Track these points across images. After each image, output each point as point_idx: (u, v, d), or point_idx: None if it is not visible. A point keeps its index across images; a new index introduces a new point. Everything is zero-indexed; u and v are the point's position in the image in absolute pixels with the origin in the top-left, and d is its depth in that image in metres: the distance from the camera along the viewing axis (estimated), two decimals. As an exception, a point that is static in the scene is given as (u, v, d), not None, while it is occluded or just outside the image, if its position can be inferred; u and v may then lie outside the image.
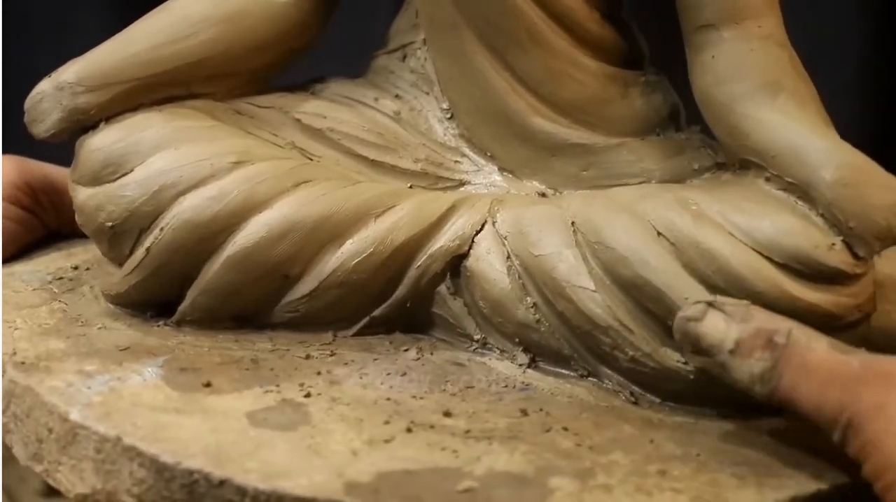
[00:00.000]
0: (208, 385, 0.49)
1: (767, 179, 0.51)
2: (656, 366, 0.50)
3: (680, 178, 0.56)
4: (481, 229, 0.54)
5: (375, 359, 0.53)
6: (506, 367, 0.53)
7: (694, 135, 0.57)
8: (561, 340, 0.52)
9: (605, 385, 0.52)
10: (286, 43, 0.59)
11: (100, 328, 0.54)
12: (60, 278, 0.58)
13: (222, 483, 0.44)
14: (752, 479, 0.45)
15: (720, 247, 0.49)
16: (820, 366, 0.45)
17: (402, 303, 0.54)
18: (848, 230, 0.48)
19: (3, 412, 0.49)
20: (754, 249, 0.49)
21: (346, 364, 0.52)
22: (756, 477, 0.46)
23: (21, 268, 0.59)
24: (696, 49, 0.54)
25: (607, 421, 0.49)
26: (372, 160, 0.58)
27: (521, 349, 0.53)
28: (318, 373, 0.51)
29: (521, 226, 0.53)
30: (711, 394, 0.49)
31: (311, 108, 0.59)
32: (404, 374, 0.52)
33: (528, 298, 0.52)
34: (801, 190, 0.50)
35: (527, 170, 0.58)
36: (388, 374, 0.52)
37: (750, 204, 0.50)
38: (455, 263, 0.54)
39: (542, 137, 0.57)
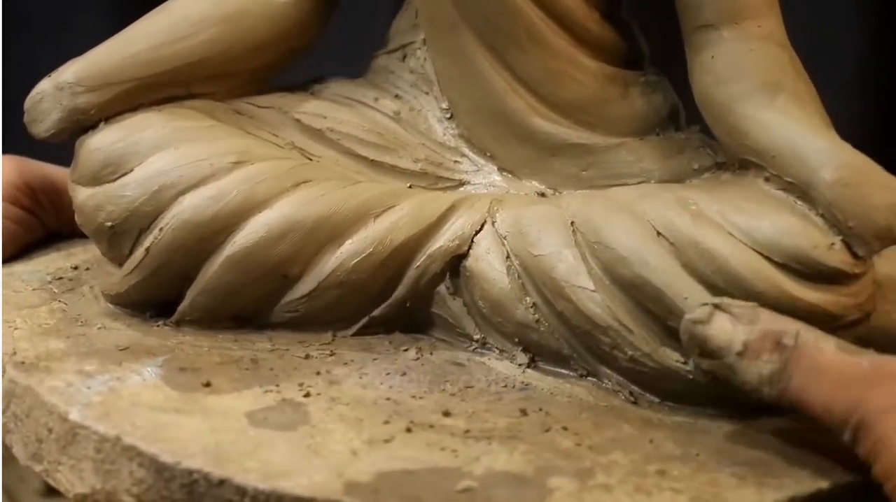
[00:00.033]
0: (208, 385, 0.49)
1: (767, 179, 0.51)
2: (656, 366, 0.50)
3: (679, 178, 0.56)
4: (481, 229, 0.54)
5: (375, 359, 0.53)
6: (505, 367, 0.53)
7: (694, 135, 0.57)
8: (560, 340, 0.52)
9: (604, 385, 0.52)
10: (286, 43, 0.59)
11: (99, 328, 0.54)
12: (60, 278, 0.58)
13: (222, 482, 0.44)
14: (751, 479, 0.45)
15: (720, 246, 0.49)
16: (830, 368, 0.45)
17: (401, 302, 0.54)
18: (847, 230, 0.48)
19: (3, 412, 0.50)
20: (754, 249, 0.49)
21: (345, 364, 0.52)
22: (755, 476, 0.46)
23: (21, 268, 0.59)
24: (696, 49, 0.54)
25: (607, 421, 0.49)
26: (372, 160, 0.58)
27: (520, 349, 0.53)
28: (318, 373, 0.51)
29: (520, 225, 0.53)
30: (711, 394, 0.49)
31: (311, 108, 0.59)
32: (404, 374, 0.52)
33: (528, 298, 0.52)
34: (800, 190, 0.50)
35: (526, 170, 0.58)
36: (388, 374, 0.52)
37: (749, 204, 0.50)
38: (454, 263, 0.54)
39: (542, 137, 0.57)
